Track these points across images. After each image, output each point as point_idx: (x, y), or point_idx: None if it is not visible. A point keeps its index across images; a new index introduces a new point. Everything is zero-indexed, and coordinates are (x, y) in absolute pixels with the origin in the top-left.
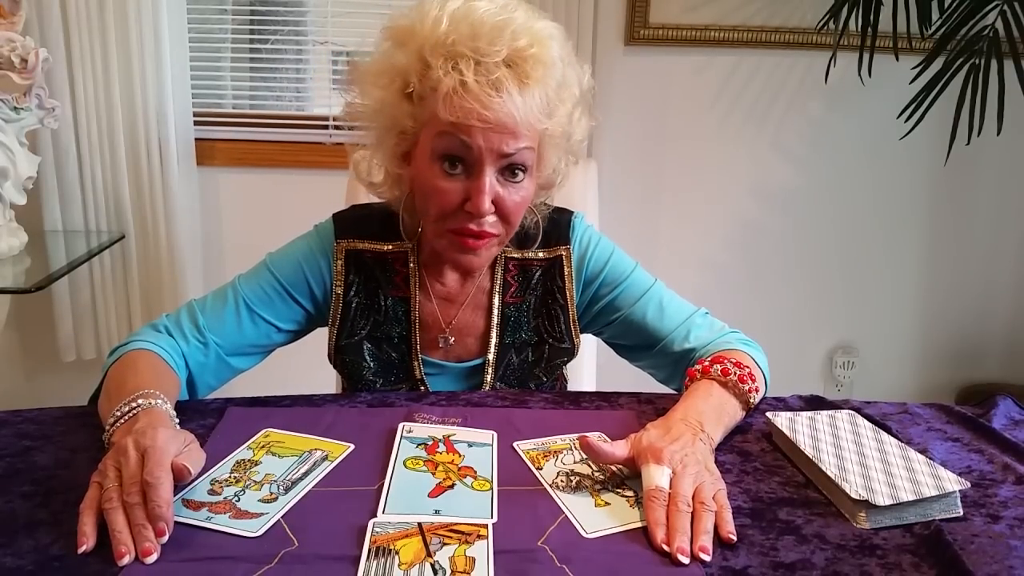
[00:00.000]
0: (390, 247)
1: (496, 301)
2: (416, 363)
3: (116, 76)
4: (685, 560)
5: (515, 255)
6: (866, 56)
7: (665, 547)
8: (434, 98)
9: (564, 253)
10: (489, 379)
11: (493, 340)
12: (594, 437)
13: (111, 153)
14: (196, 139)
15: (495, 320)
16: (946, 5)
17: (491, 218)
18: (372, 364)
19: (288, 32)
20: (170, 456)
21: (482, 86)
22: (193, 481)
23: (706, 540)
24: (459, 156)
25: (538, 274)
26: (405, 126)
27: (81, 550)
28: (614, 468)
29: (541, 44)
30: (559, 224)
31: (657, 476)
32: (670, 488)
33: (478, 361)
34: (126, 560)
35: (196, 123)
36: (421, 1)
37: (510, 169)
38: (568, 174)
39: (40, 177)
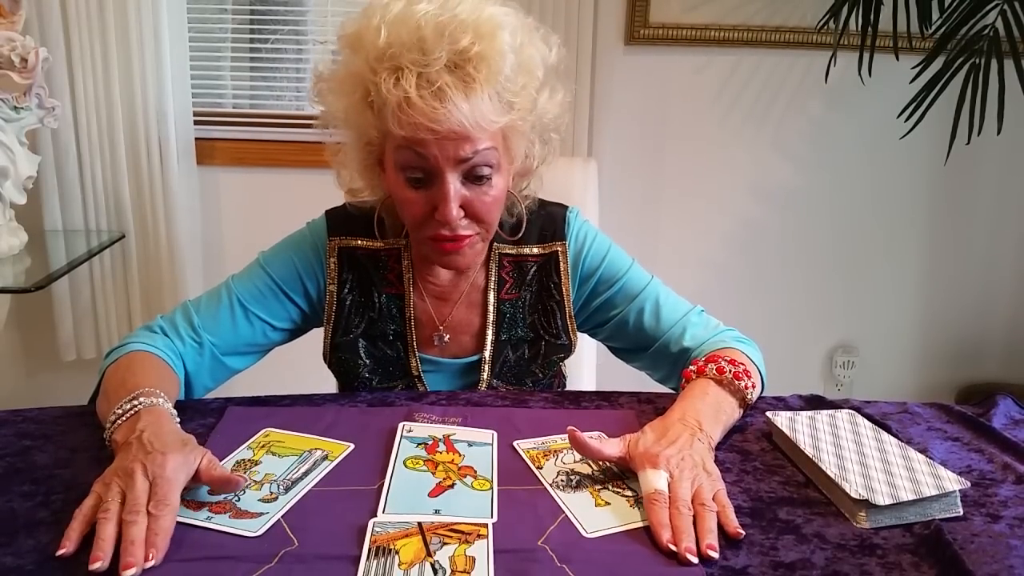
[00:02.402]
0: (383, 244)
1: (491, 298)
2: (413, 360)
3: (116, 76)
4: (694, 560)
5: (510, 251)
6: (866, 55)
7: (672, 547)
8: (386, 112)
9: (560, 249)
10: (485, 376)
11: (489, 337)
12: (591, 434)
13: (111, 152)
14: (196, 138)
15: (490, 317)
16: (946, 5)
17: (464, 221)
18: (368, 361)
19: (288, 32)
20: (179, 488)
21: (425, 99)
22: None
23: (712, 539)
24: (418, 167)
25: (533, 270)
26: (371, 136)
27: (59, 553)
28: (614, 468)
29: (485, 39)
30: (554, 219)
31: (655, 480)
32: (669, 492)
33: (474, 358)
34: (97, 566)
35: (196, 122)
36: (367, 4)
37: (474, 171)
38: (550, 154)
39: (40, 176)
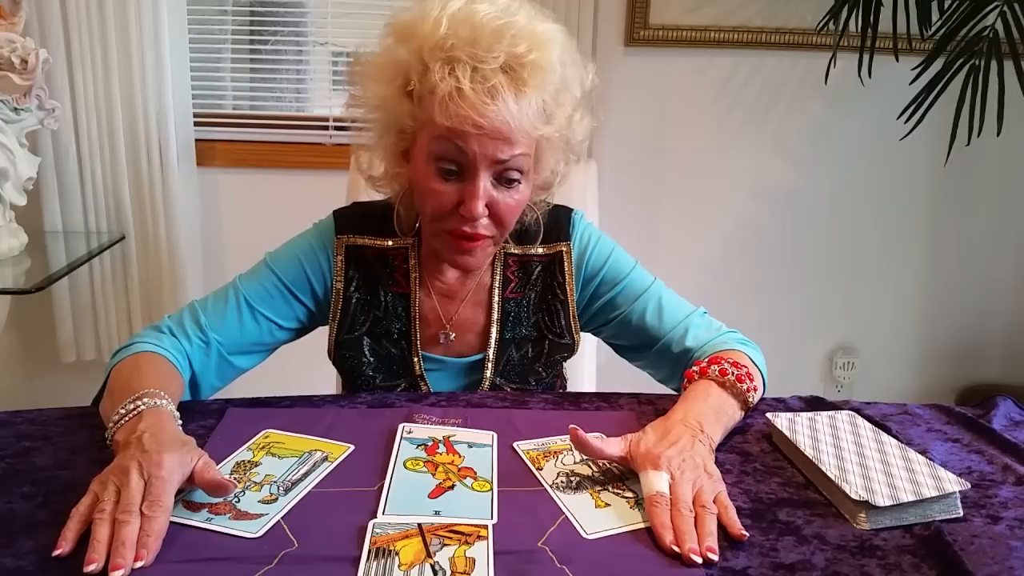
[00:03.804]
0: (391, 243)
1: (496, 296)
2: (416, 359)
3: (116, 76)
4: (699, 560)
5: (515, 251)
6: (866, 57)
7: (675, 548)
8: (431, 101)
9: (564, 249)
10: (489, 374)
11: (493, 335)
12: (592, 436)
13: (111, 154)
14: (196, 140)
15: (495, 316)
16: (946, 6)
17: (484, 220)
18: (372, 360)
19: (288, 33)
20: (173, 488)
21: (478, 93)
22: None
23: (712, 541)
24: (454, 160)
25: (538, 270)
26: (405, 124)
27: (55, 553)
28: (614, 469)
29: (540, 49)
30: (559, 220)
31: (656, 482)
32: (670, 493)
33: (478, 356)
34: (92, 568)
35: (196, 124)
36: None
37: (505, 174)
38: (568, 173)
39: (40, 178)
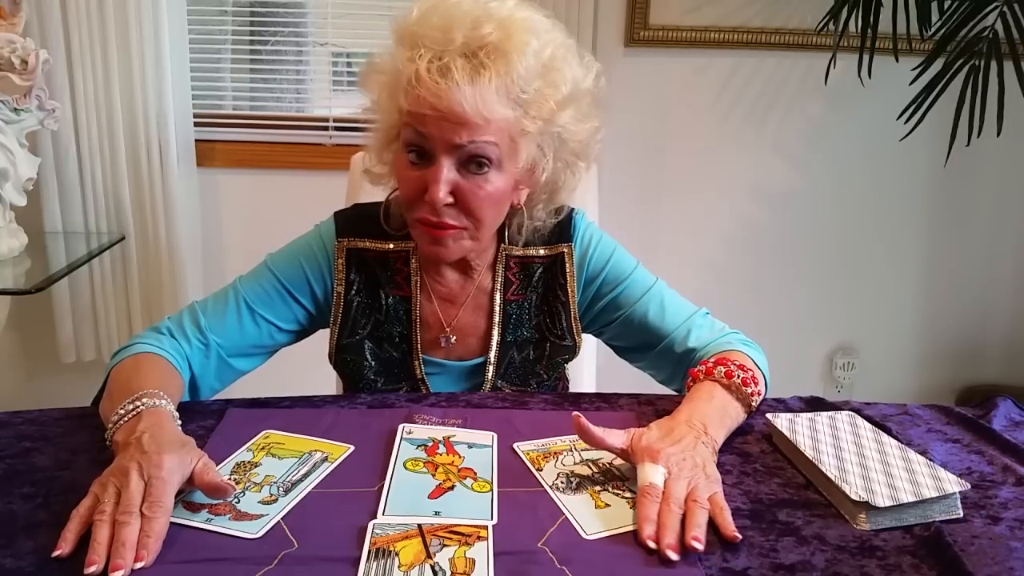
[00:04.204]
0: (392, 246)
1: (497, 299)
2: (417, 363)
3: (116, 77)
4: (674, 556)
5: (516, 252)
6: (866, 57)
7: (651, 543)
8: (399, 89)
9: (566, 250)
10: (490, 377)
11: (495, 338)
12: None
13: (111, 154)
14: (196, 140)
15: (496, 318)
16: (946, 6)
17: (451, 210)
18: (373, 363)
19: (288, 33)
20: (173, 489)
21: (431, 74)
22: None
23: (699, 532)
24: (418, 145)
25: (539, 271)
26: (394, 119)
27: (55, 554)
28: (615, 470)
29: (505, 32)
30: (560, 221)
31: (652, 474)
32: (664, 488)
33: (479, 360)
34: (92, 569)
35: (196, 124)
36: None
37: (474, 161)
38: (574, 181)
39: (40, 178)
